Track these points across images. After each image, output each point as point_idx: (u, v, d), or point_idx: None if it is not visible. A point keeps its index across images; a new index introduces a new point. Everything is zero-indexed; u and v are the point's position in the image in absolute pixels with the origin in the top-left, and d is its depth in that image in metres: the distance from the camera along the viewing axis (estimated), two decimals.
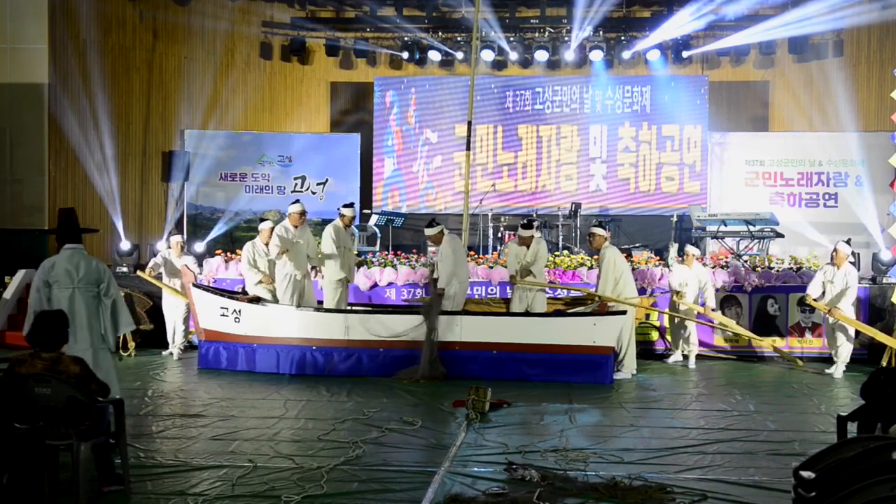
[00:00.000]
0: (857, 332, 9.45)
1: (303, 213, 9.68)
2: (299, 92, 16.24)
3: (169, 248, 10.39)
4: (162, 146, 14.47)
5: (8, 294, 11.35)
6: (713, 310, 9.80)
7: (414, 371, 8.55)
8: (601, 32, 15.07)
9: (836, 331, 9.24)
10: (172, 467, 5.43)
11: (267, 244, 9.69)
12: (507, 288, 9.87)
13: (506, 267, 9.91)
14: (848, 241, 9.47)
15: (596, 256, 9.97)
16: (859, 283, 9.55)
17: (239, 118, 15.36)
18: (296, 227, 9.57)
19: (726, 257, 11.00)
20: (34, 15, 12.58)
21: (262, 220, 10.35)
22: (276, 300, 9.49)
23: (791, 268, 10.60)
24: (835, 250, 9.33)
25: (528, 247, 9.33)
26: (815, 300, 9.30)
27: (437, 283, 9.07)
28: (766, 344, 10.03)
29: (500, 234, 13.26)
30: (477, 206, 13.18)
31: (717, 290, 10.30)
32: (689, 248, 9.98)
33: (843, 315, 9.07)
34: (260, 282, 9.53)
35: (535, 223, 9.75)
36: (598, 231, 9.25)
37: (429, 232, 9.44)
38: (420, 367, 8.53)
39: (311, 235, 9.79)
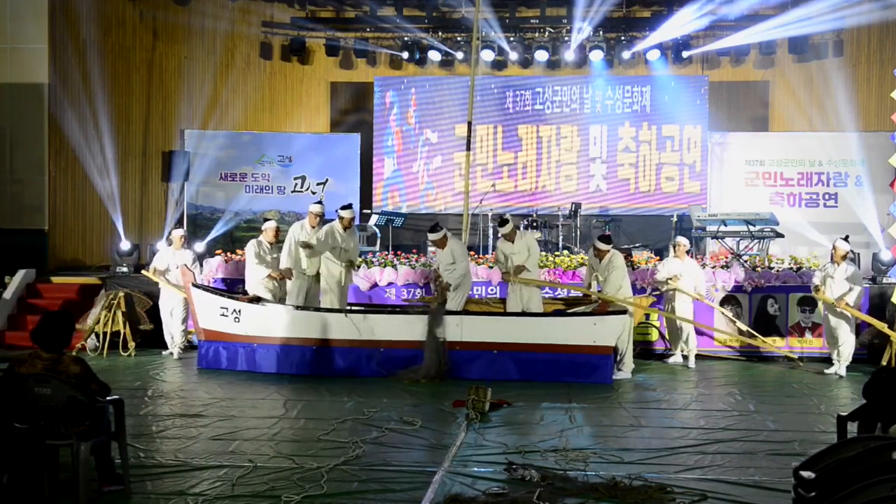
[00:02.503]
0: (859, 332, 9.45)
1: (320, 215, 9.71)
2: (299, 92, 16.24)
3: (170, 244, 10.40)
4: (162, 146, 14.47)
5: (8, 294, 11.36)
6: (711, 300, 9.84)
7: (415, 371, 8.54)
8: (601, 32, 15.07)
9: (838, 330, 9.23)
10: (172, 467, 5.43)
11: (271, 243, 9.72)
12: (507, 287, 9.86)
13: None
14: (846, 238, 9.48)
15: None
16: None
17: (239, 118, 15.36)
18: (313, 226, 9.62)
19: (726, 257, 11.00)
20: (34, 15, 12.58)
21: (266, 219, 10.40)
22: (276, 299, 9.50)
23: (791, 268, 10.59)
24: (833, 247, 9.36)
25: (512, 241, 9.33)
26: (822, 293, 9.30)
27: (443, 288, 9.11)
28: (765, 343, 10.03)
29: (500, 234, 13.23)
30: (477, 206, 13.17)
31: (717, 290, 10.32)
32: (680, 239, 10.00)
33: (851, 307, 9.08)
34: (269, 275, 9.52)
35: (508, 217, 9.75)
36: (602, 245, 9.16)
37: (433, 237, 9.37)
38: (423, 368, 8.53)
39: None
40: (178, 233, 10.37)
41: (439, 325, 8.64)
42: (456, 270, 9.15)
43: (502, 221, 9.47)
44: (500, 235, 9.47)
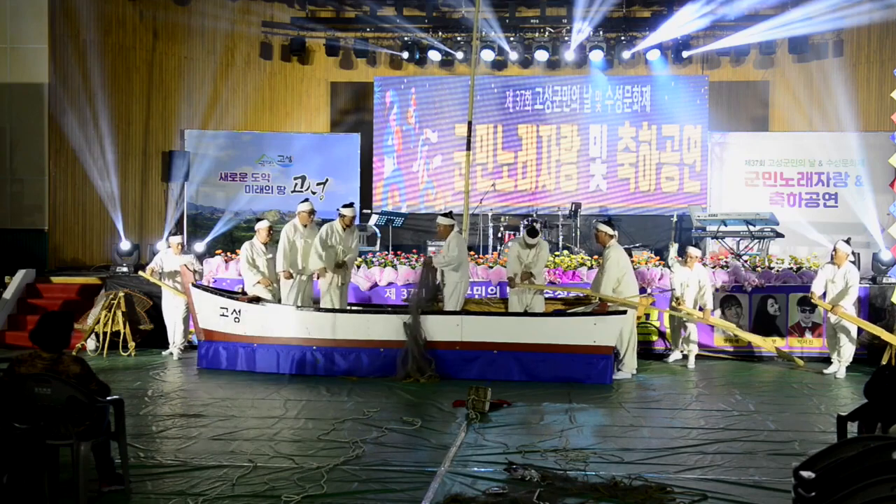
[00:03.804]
0: (859, 332, 9.44)
1: (311, 213, 9.68)
2: (299, 92, 16.24)
3: (168, 247, 10.40)
4: (162, 146, 14.47)
5: (8, 294, 11.36)
6: (712, 312, 9.78)
7: (407, 371, 8.53)
8: (601, 32, 15.07)
9: (839, 331, 9.21)
10: (172, 467, 5.43)
11: (265, 243, 9.71)
12: (508, 288, 9.87)
13: (505, 267, 9.89)
14: (847, 241, 9.46)
15: (597, 256, 9.95)
16: (860, 282, 9.54)
17: (239, 118, 15.37)
18: (305, 226, 9.59)
19: (726, 257, 10.99)
20: (34, 15, 12.59)
21: (260, 219, 10.37)
22: (276, 299, 9.50)
23: (791, 268, 10.59)
24: (835, 249, 9.33)
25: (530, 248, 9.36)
26: (818, 298, 9.29)
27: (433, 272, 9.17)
28: (766, 346, 10.02)
29: (500, 234, 13.26)
30: (477, 205, 13.18)
31: (717, 290, 10.29)
32: (691, 250, 9.91)
33: (846, 313, 9.06)
34: (258, 282, 9.53)
35: (537, 226, 9.72)
36: (604, 228, 9.16)
37: (442, 221, 9.35)
38: (409, 366, 8.53)
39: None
40: (176, 240, 10.34)
41: (416, 320, 8.63)
42: (446, 254, 9.14)
43: (534, 231, 9.35)
44: (526, 244, 9.31)
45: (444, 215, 9.45)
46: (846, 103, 14.09)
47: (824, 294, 9.30)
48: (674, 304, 9.71)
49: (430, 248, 12.31)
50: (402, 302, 10.47)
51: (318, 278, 9.55)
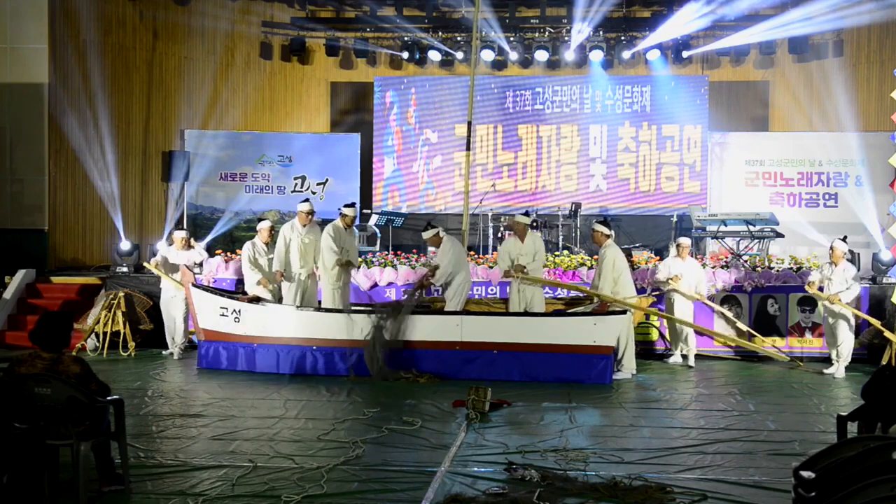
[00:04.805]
0: (858, 331, 9.43)
1: (310, 213, 9.68)
2: (299, 92, 16.24)
3: (170, 245, 10.39)
4: (162, 146, 14.47)
5: (8, 294, 11.36)
6: (710, 298, 9.87)
7: (393, 372, 8.54)
8: (601, 32, 15.06)
9: (837, 329, 9.23)
10: (172, 467, 5.43)
11: (267, 243, 9.72)
12: (508, 288, 9.87)
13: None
14: (844, 239, 9.47)
15: (596, 256, 9.96)
16: (860, 282, 9.54)
17: (239, 118, 15.36)
18: (304, 225, 9.59)
19: (726, 257, 11.00)
20: (34, 15, 12.58)
21: (261, 219, 10.38)
22: (276, 299, 9.49)
23: (791, 268, 10.59)
24: (831, 248, 9.35)
25: (522, 240, 9.37)
26: (816, 290, 9.29)
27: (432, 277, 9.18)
28: (764, 345, 10.01)
29: (500, 235, 13.25)
30: (477, 206, 13.17)
31: (717, 290, 10.32)
32: (682, 240, 10.02)
33: (843, 304, 9.07)
34: (260, 281, 9.53)
35: (533, 219, 9.81)
36: (600, 228, 9.20)
37: (426, 235, 9.44)
38: (375, 368, 8.54)
39: (319, 235, 9.73)
40: (179, 234, 10.36)
41: (386, 323, 8.63)
42: (443, 267, 9.16)
43: (518, 222, 9.51)
44: (507, 233, 9.47)
45: (424, 230, 9.50)
46: (846, 103, 14.09)
47: (821, 291, 9.30)
48: (670, 281, 9.75)
49: (430, 249, 12.31)
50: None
51: (280, 279, 9.57)
